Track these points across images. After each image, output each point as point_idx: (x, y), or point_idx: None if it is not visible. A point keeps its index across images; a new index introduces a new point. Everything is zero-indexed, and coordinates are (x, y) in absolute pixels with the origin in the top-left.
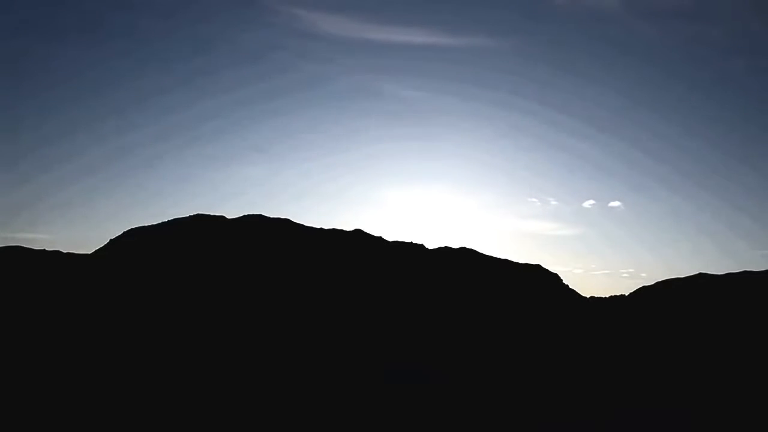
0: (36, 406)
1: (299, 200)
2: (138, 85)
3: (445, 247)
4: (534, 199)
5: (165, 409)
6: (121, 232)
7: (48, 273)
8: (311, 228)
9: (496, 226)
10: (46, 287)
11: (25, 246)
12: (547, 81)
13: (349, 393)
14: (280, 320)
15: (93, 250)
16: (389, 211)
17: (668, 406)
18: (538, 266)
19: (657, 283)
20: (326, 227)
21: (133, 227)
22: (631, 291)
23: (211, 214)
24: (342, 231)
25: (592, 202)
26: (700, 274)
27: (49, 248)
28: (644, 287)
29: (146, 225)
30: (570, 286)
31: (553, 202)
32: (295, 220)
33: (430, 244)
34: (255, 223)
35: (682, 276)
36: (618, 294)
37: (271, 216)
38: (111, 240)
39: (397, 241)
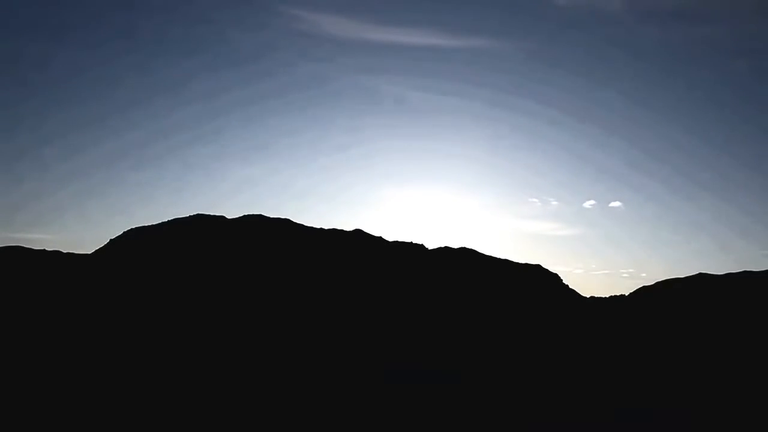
0: (36, 406)
1: (299, 200)
2: (138, 85)
3: (445, 247)
4: (534, 200)
5: (165, 409)
6: (121, 232)
7: (48, 273)
8: (311, 228)
9: (497, 226)
10: (46, 287)
11: (25, 246)
12: (548, 81)
13: (349, 393)
14: (280, 320)
15: (93, 250)
16: (389, 211)
17: (668, 406)
18: (538, 266)
19: (657, 283)
20: (326, 227)
21: (133, 227)
22: (631, 291)
23: (211, 214)
24: (342, 231)
25: (592, 202)
26: (700, 274)
27: (49, 248)
28: (644, 287)
29: (146, 225)
30: (570, 286)
31: (554, 203)
32: (295, 220)
33: (430, 244)
34: (255, 223)
35: (682, 276)
36: (618, 294)
37: (271, 216)
38: (111, 240)
39: (397, 241)
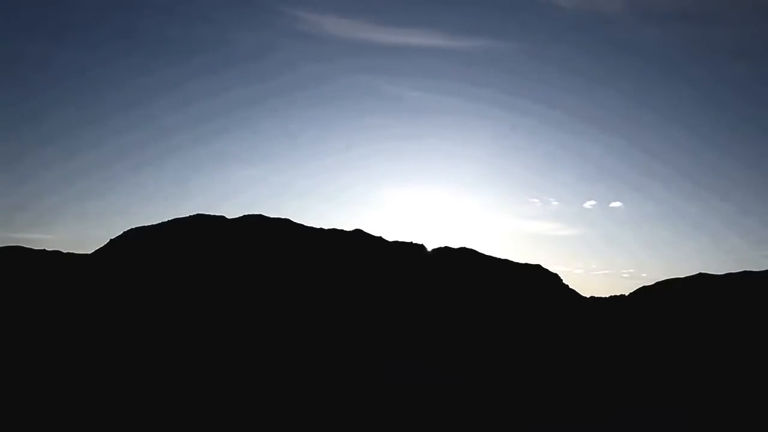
0: (36, 406)
1: (299, 200)
2: (138, 85)
3: (445, 247)
4: (535, 200)
5: (165, 409)
6: (121, 232)
7: (48, 273)
8: (311, 228)
9: (497, 227)
10: (46, 287)
11: (25, 246)
12: (549, 82)
13: (349, 393)
14: (280, 320)
15: (93, 250)
16: (389, 211)
17: (668, 406)
18: (538, 266)
19: (657, 283)
20: (326, 227)
21: (133, 227)
22: (632, 291)
23: (211, 214)
24: (342, 231)
25: (593, 202)
26: (700, 274)
27: (49, 248)
28: (644, 287)
29: (146, 225)
30: (570, 286)
31: (554, 203)
32: (295, 220)
33: (430, 244)
34: (255, 223)
35: (682, 276)
36: (618, 294)
37: (271, 216)
38: (111, 240)
39: (397, 241)
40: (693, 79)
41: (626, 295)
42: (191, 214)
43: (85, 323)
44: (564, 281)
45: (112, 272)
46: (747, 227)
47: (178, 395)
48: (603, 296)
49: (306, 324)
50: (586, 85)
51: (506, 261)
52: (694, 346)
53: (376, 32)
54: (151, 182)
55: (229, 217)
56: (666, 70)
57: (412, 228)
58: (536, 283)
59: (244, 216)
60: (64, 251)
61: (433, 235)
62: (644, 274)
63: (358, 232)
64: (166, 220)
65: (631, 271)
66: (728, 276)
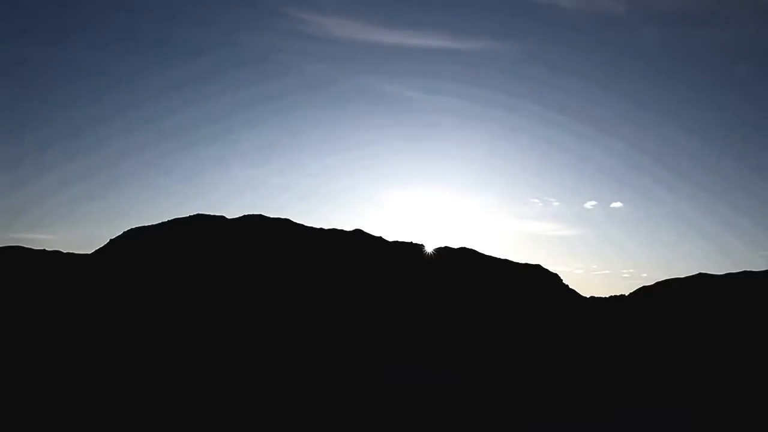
0: (36, 406)
1: (299, 200)
2: (139, 87)
3: (445, 247)
4: (536, 200)
5: (165, 409)
6: (121, 232)
7: (48, 273)
8: (311, 228)
9: (498, 227)
10: (46, 287)
11: (25, 246)
12: (550, 83)
13: (349, 393)
14: (280, 320)
15: (93, 250)
16: (389, 212)
17: (668, 407)
18: (538, 266)
19: (657, 283)
20: (326, 227)
21: (133, 227)
22: (632, 291)
23: (211, 214)
24: (342, 231)
25: (594, 202)
26: (700, 274)
27: (49, 248)
28: (644, 287)
29: (146, 225)
30: (570, 286)
31: (555, 203)
32: (295, 220)
33: (430, 244)
34: (255, 223)
35: (682, 276)
36: (618, 294)
37: (271, 216)
38: (111, 240)
39: (397, 241)
40: (693, 80)
41: (626, 295)
42: (191, 214)
43: (85, 323)
44: (564, 281)
45: (112, 272)
46: (747, 227)
47: (179, 395)
48: (603, 296)
49: (306, 324)
50: (587, 85)
51: (506, 261)
52: (694, 346)
53: (378, 34)
54: (151, 182)
55: (229, 217)
56: (666, 71)
57: (412, 228)
58: (536, 283)
59: (244, 216)
60: (64, 251)
61: (433, 235)
62: (644, 274)
63: (358, 232)
64: (166, 220)
65: (632, 271)
66: (728, 276)
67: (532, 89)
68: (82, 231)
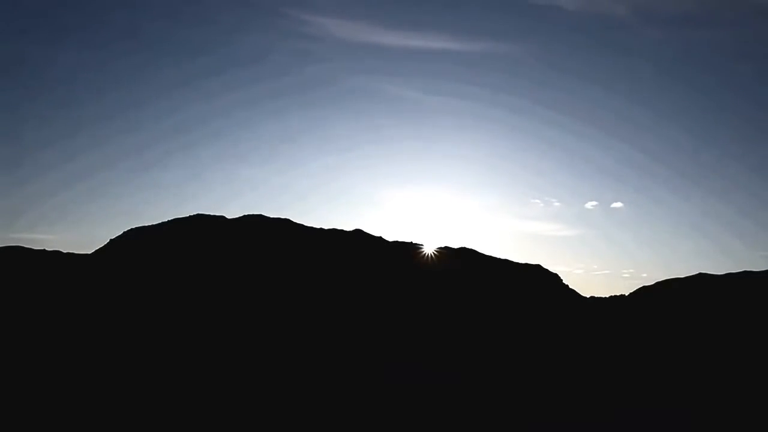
0: (36, 406)
1: (299, 200)
2: (139, 86)
3: (445, 247)
4: (537, 201)
5: (165, 409)
6: (121, 232)
7: (48, 273)
8: (311, 228)
9: (499, 228)
10: (46, 287)
11: (25, 246)
12: (551, 83)
13: (349, 393)
14: (280, 320)
15: (93, 250)
16: (389, 212)
17: (668, 407)
18: (538, 266)
19: (657, 283)
20: (326, 227)
21: (133, 227)
22: (632, 291)
23: (211, 214)
24: (342, 231)
25: (594, 203)
26: (700, 274)
27: (49, 248)
28: (644, 287)
29: (146, 225)
30: (570, 286)
31: (556, 203)
32: (295, 220)
33: (431, 244)
34: (255, 223)
35: (682, 276)
36: (618, 294)
37: (271, 216)
38: (111, 240)
39: (397, 241)
40: (694, 80)
41: (626, 295)
42: (191, 214)
43: (85, 323)
44: (564, 281)
45: (112, 272)
46: (747, 228)
47: (179, 395)
48: (603, 296)
49: (306, 324)
50: (588, 86)
51: (506, 261)
52: (693, 346)
53: (378, 34)
54: (151, 182)
55: (229, 217)
56: (667, 71)
57: (412, 228)
58: (536, 283)
59: (244, 216)
60: (64, 251)
61: (433, 235)
62: (645, 275)
63: (358, 232)
64: (166, 220)
65: (632, 271)
66: (728, 276)
67: (532, 89)
68: (82, 231)
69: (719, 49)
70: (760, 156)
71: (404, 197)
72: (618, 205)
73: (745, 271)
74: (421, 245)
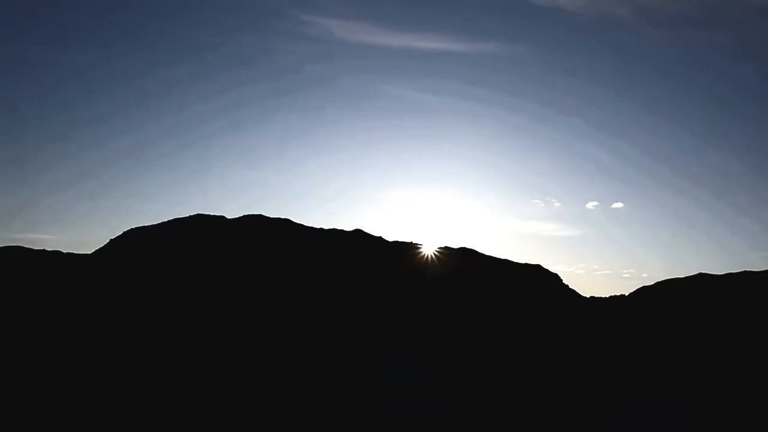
0: (36, 406)
1: (299, 200)
2: (138, 86)
3: (445, 247)
4: (537, 201)
5: (165, 409)
6: (121, 232)
7: (48, 273)
8: (311, 228)
9: (499, 227)
10: (46, 287)
11: (25, 246)
12: (552, 84)
13: (349, 393)
14: (280, 320)
15: (93, 250)
16: (389, 212)
17: (668, 407)
18: (538, 266)
19: (657, 283)
20: (326, 227)
21: (133, 227)
22: (632, 291)
23: (211, 214)
24: (342, 231)
25: (595, 203)
26: (700, 274)
27: (49, 248)
28: (644, 287)
29: (146, 225)
30: (570, 286)
31: (557, 204)
32: (295, 220)
33: (431, 244)
34: (255, 223)
35: (682, 276)
36: (618, 294)
37: (271, 216)
38: (111, 240)
39: (397, 241)
40: (695, 81)
41: (626, 295)
42: (191, 214)
43: (85, 323)
44: (564, 281)
45: (112, 272)
46: (747, 228)
47: (179, 395)
48: (603, 296)
49: (306, 324)
50: (589, 87)
51: (506, 261)
52: (694, 346)
53: (378, 35)
54: (151, 182)
55: (229, 217)
56: (669, 72)
57: (412, 228)
58: (536, 283)
59: (244, 216)
60: (64, 251)
61: (433, 235)
62: (645, 275)
63: (358, 232)
64: (166, 220)
65: (632, 271)
66: (728, 276)
67: (534, 90)
68: (82, 231)
69: (720, 49)
70: (760, 156)
71: (404, 197)
72: (619, 205)
73: (745, 271)
74: (421, 245)
